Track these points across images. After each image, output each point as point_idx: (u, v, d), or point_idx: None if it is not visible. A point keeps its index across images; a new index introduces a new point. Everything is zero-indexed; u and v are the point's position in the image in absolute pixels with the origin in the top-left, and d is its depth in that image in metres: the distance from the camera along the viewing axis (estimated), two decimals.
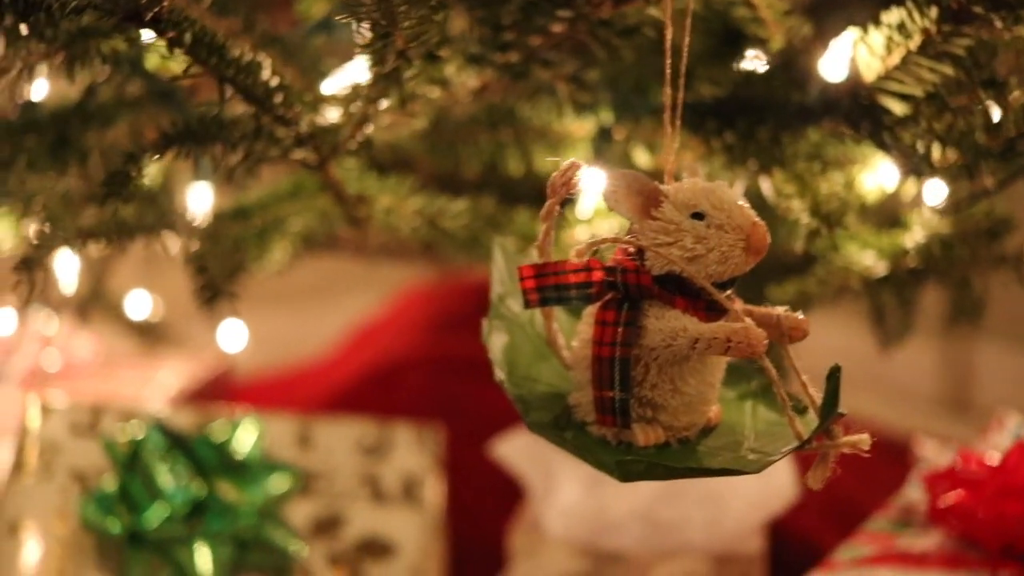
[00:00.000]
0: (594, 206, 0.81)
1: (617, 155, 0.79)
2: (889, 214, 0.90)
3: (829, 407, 0.55)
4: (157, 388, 1.24)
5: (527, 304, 0.60)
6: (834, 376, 0.55)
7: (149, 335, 1.28)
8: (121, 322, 1.30)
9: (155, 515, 0.92)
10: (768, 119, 0.76)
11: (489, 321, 0.63)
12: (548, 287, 0.59)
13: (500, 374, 0.61)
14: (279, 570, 0.94)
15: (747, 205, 0.58)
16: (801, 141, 0.77)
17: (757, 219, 0.58)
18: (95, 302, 1.22)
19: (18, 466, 0.97)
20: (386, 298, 1.49)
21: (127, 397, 1.21)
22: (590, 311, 0.61)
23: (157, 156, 0.68)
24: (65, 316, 1.22)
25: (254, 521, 0.94)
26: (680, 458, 0.59)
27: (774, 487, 0.93)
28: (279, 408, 1.22)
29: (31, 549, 0.93)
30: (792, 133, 0.76)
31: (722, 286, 0.58)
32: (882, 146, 0.74)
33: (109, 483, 0.95)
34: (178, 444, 0.97)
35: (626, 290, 0.59)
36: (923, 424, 1.32)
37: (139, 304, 1.31)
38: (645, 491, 0.93)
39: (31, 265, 0.70)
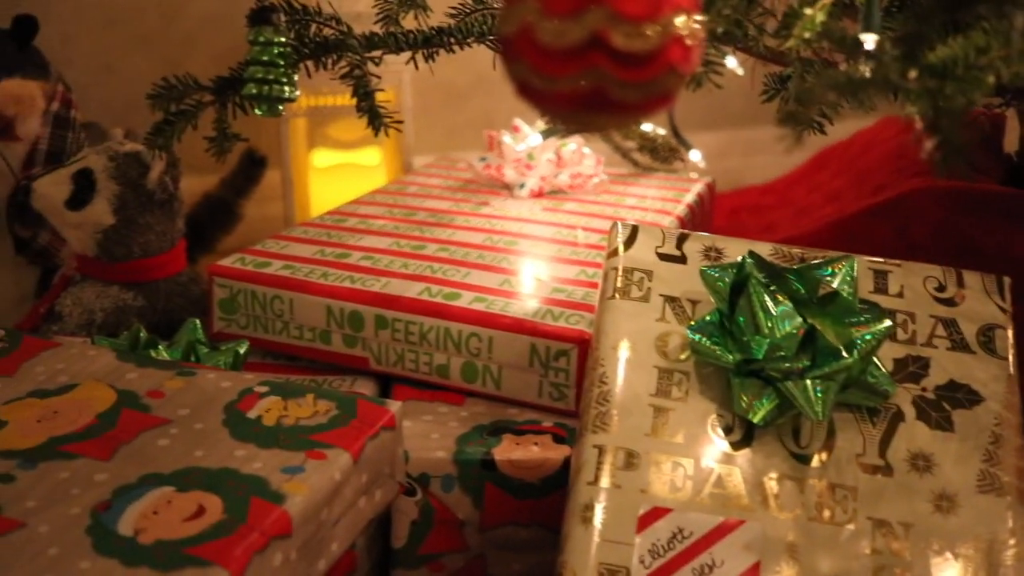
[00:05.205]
0: None
1: None
2: None
3: None
4: (652, 205, 1.25)
5: None
6: None
7: (650, 155, 1.29)
8: (620, 146, 1.31)
9: (763, 347, 0.93)
10: None
11: None
12: None
13: None
14: (871, 411, 0.95)
15: None
16: None
17: None
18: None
19: (612, 288, 0.99)
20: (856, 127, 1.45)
21: (624, 214, 1.22)
22: None
23: None
24: (575, 138, 1.24)
25: (856, 361, 0.93)
26: None
27: None
28: (764, 234, 1.22)
29: (634, 368, 0.95)
30: None
31: None
32: None
33: (710, 311, 0.96)
34: (775, 277, 0.96)
35: None
36: None
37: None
38: None
39: None
